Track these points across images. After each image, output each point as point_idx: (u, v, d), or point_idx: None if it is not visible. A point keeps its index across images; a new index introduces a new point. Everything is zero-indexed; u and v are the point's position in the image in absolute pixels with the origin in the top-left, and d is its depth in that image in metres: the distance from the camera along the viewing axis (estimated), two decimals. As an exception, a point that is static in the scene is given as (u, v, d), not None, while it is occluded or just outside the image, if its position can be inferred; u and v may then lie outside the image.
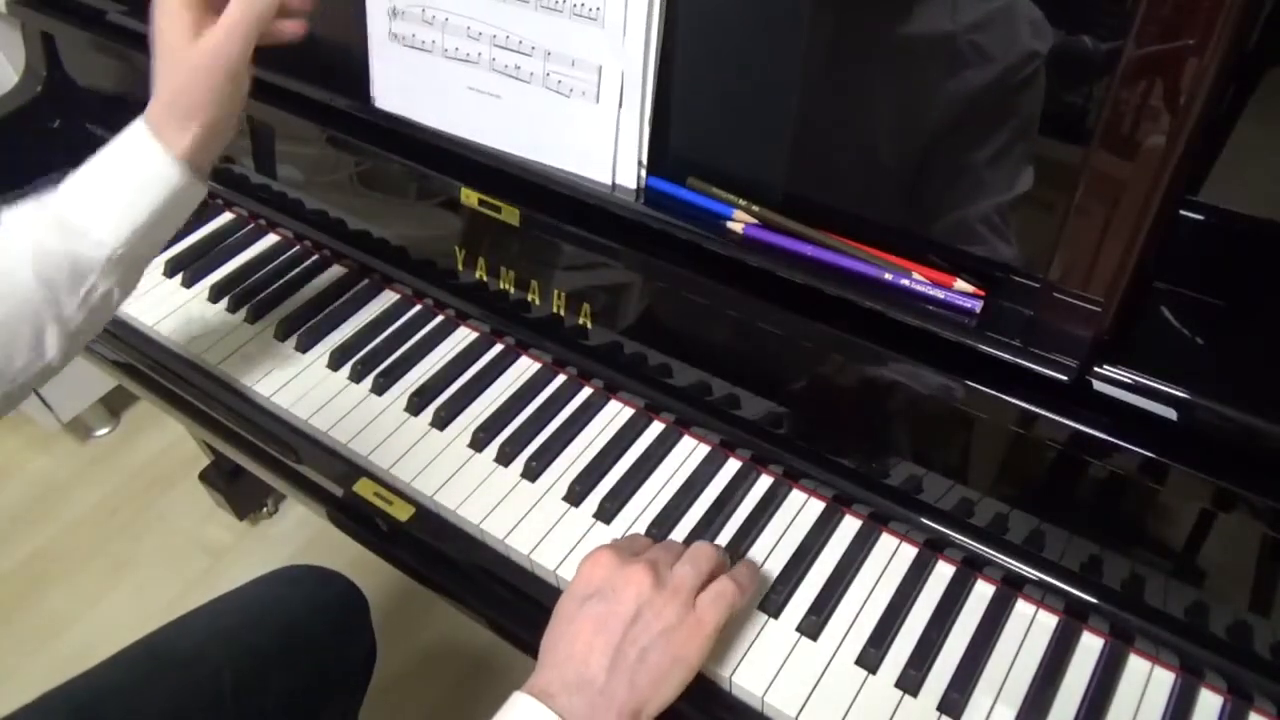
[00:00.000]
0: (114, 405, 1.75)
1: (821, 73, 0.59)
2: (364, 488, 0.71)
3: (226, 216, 0.95)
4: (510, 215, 0.72)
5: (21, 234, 0.59)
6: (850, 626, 0.61)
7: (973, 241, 0.58)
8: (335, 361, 0.79)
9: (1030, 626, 0.61)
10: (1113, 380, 0.54)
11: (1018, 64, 0.52)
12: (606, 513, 0.67)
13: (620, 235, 0.68)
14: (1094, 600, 0.59)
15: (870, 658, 0.59)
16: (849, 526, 0.66)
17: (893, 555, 0.64)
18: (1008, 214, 0.56)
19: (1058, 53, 0.51)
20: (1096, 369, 0.54)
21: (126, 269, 0.63)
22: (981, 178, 0.56)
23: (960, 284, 0.58)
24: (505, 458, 0.71)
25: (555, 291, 0.74)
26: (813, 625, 0.60)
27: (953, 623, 0.61)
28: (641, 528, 0.66)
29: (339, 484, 0.72)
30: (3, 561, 1.55)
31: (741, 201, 0.64)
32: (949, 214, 0.58)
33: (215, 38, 0.60)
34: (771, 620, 0.61)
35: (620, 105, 0.65)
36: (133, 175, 0.61)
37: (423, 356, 0.79)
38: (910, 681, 0.58)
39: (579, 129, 0.67)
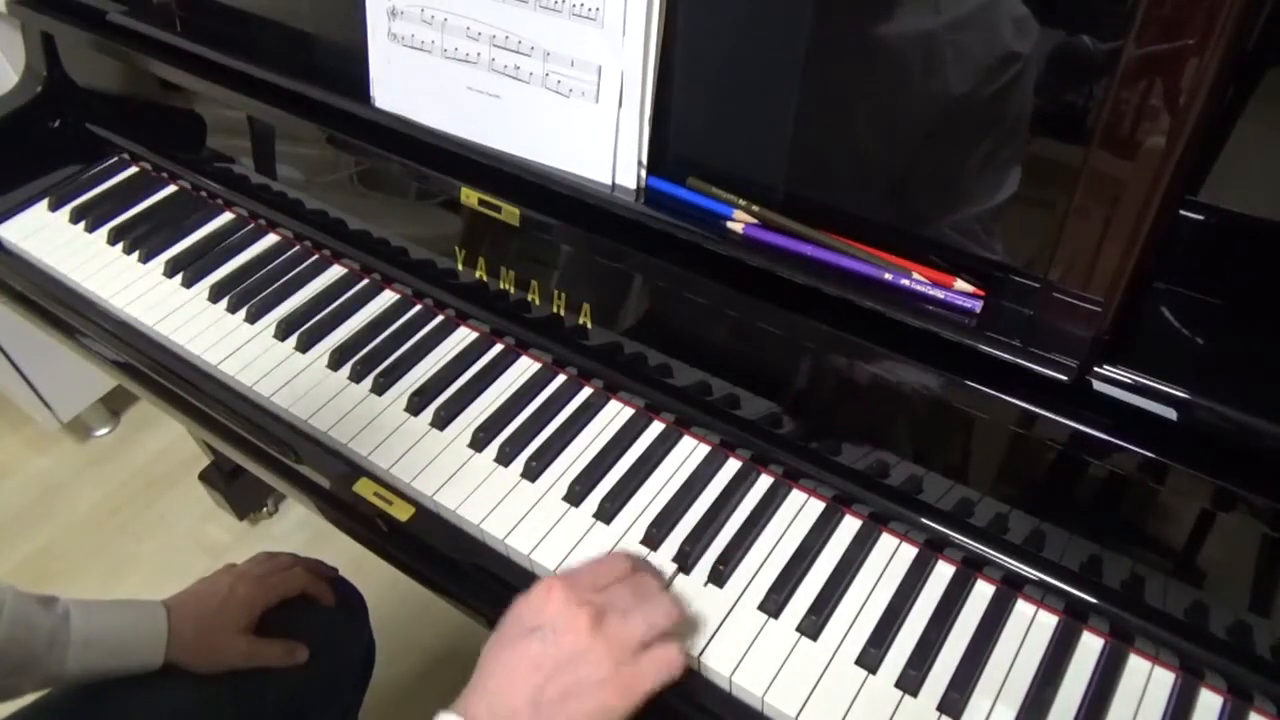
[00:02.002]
0: (114, 405, 1.75)
1: (821, 72, 0.59)
2: (364, 488, 0.71)
3: (226, 216, 0.95)
4: (510, 215, 0.72)
5: (22, 596, 0.69)
6: (850, 626, 0.61)
7: (966, 239, 0.58)
8: (335, 361, 0.79)
9: (1030, 626, 0.61)
10: (1113, 380, 0.54)
11: (999, 65, 0.52)
12: (606, 513, 0.67)
13: (620, 235, 0.68)
14: (1094, 600, 0.59)
15: (870, 658, 0.59)
16: (849, 526, 0.66)
17: (893, 555, 0.64)
18: (1005, 214, 0.56)
19: (1056, 53, 0.51)
20: (1096, 369, 0.54)
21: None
22: (975, 176, 0.56)
23: (960, 284, 0.58)
24: (505, 458, 0.71)
25: (555, 291, 0.74)
26: (813, 625, 0.60)
27: (953, 623, 0.61)
28: (641, 528, 0.66)
29: (339, 484, 0.72)
30: (3, 561, 1.55)
31: (741, 201, 0.64)
32: (943, 212, 0.58)
33: (244, 647, 0.78)
34: (771, 620, 0.61)
35: (620, 105, 0.65)
36: (130, 646, 0.73)
37: (423, 356, 0.79)
38: (910, 681, 0.58)
39: (579, 129, 0.67)
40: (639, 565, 0.61)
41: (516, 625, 0.55)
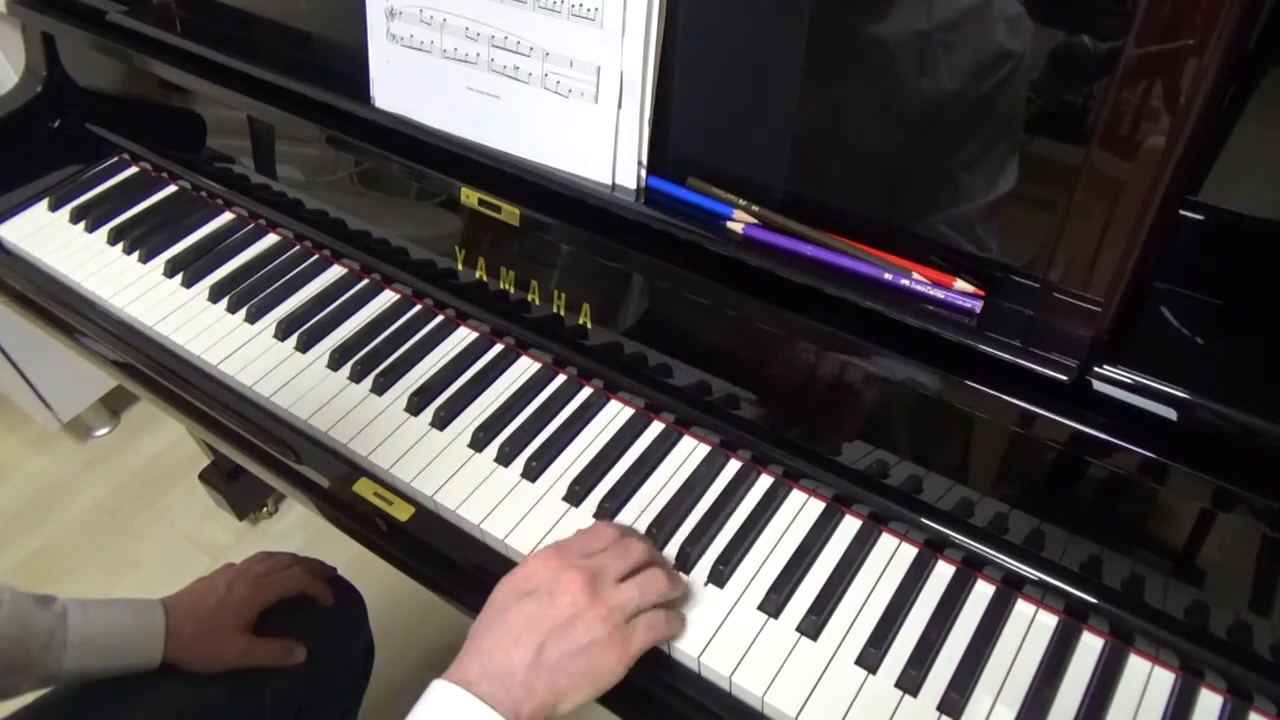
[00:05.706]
0: (114, 405, 1.75)
1: (820, 72, 0.59)
2: (364, 488, 0.71)
3: (226, 216, 0.95)
4: (510, 215, 0.72)
5: (20, 595, 0.69)
6: (850, 626, 0.61)
7: (966, 239, 0.58)
8: (335, 361, 0.79)
9: (1030, 626, 0.61)
10: (1113, 380, 0.54)
11: (995, 64, 0.52)
12: (606, 513, 0.67)
13: (620, 235, 0.68)
14: (1094, 600, 0.59)
15: (870, 658, 0.59)
16: (849, 526, 0.66)
17: (893, 555, 0.64)
18: (1005, 214, 0.56)
19: (1055, 52, 0.51)
20: (1096, 369, 0.54)
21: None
22: (975, 176, 0.56)
23: (960, 284, 0.58)
24: (505, 458, 0.71)
25: (555, 291, 0.74)
26: (813, 625, 0.60)
27: (953, 623, 0.61)
28: (641, 528, 0.66)
29: (339, 484, 0.72)
30: (3, 561, 1.55)
31: (741, 201, 0.64)
32: (943, 212, 0.58)
33: (242, 647, 0.78)
34: (771, 620, 0.61)
35: (620, 106, 0.65)
36: (128, 645, 0.73)
37: (423, 356, 0.79)
38: (910, 681, 0.58)
39: (578, 129, 0.67)
40: (626, 534, 0.62)
41: (511, 593, 0.56)
